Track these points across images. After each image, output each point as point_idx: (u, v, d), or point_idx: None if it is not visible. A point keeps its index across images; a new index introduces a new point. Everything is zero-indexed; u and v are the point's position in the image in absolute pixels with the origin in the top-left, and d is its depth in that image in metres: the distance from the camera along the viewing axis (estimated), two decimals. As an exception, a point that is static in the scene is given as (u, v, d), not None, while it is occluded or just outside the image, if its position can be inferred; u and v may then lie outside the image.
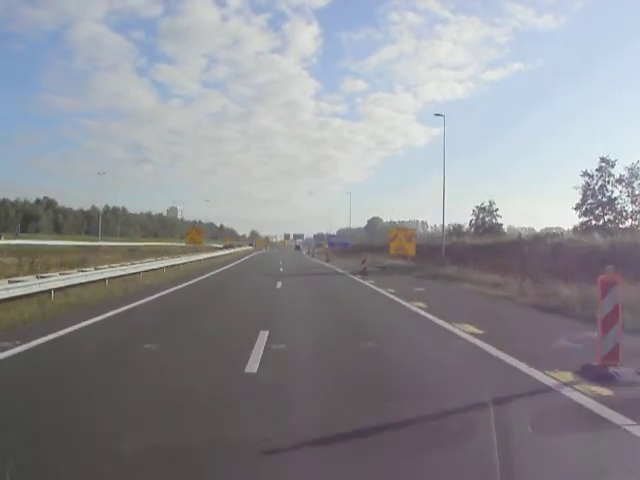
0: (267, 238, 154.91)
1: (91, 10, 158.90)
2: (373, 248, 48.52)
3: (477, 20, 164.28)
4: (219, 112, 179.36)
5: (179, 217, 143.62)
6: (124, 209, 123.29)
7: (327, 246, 57.12)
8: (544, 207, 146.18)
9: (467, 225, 47.22)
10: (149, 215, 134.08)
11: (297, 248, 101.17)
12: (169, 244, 73.85)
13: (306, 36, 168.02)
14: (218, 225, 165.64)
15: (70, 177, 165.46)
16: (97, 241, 67.75)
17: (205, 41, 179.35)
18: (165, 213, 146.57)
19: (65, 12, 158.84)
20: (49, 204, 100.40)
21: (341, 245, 56.25)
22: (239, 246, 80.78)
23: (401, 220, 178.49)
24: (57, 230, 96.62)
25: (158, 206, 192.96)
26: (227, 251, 55.90)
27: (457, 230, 44.14)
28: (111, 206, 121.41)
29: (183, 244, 67.27)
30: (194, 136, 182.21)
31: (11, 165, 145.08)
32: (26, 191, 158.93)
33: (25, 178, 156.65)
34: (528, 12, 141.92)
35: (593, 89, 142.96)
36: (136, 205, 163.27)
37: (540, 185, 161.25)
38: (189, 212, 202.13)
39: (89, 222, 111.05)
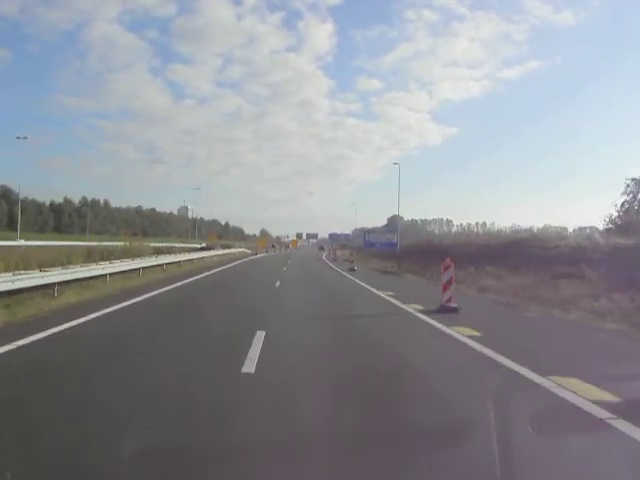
0: (279, 238, 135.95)
1: (105, 10, 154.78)
2: (434, 251, 27.06)
3: (494, 16, 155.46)
4: (233, 112, 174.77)
5: (190, 216, 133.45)
6: (107, 202, 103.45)
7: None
8: (568, 207, 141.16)
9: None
10: (138, 210, 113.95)
11: (321, 249, 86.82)
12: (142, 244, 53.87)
13: (321, 34, 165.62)
14: (223, 223, 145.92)
15: (83, 178, 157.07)
16: (40, 239, 47.77)
17: (220, 40, 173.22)
18: (176, 213, 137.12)
19: (79, 12, 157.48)
20: (4, 194, 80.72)
21: (384, 246, 35.58)
22: (227, 247, 59.06)
23: (423, 218, 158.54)
24: (13, 226, 76.82)
25: (170, 207, 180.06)
26: (199, 255, 34.89)
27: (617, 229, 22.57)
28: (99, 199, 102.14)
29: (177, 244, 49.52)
30: (208, 136, 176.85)
31: (25, 167, 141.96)
32: (38, 192, 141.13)
33: (39, 180, 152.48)
34: (546, 8, 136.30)
35: (613, 87, 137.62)
36: (148, 205, 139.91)
37: (560, 185, 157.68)
38: (202, 212, 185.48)
39: (59, 217, 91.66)
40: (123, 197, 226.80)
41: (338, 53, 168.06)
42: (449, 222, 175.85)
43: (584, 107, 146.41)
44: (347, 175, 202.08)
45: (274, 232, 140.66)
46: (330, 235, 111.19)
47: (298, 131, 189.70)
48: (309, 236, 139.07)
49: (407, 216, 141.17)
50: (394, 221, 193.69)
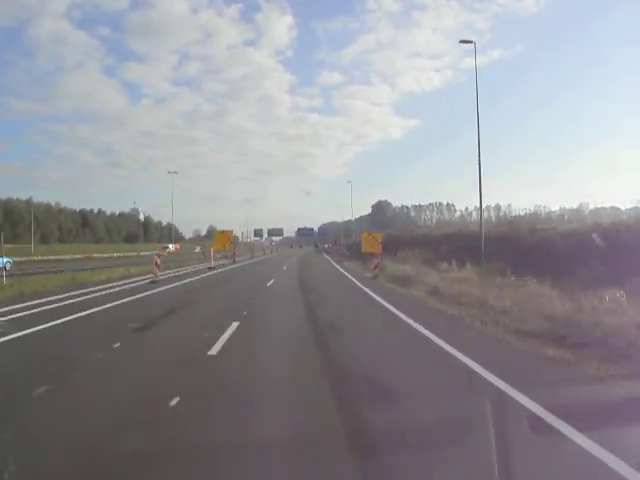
0: (236, 238, 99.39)
1: (51, 5, 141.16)
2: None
3: (457, 5, 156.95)
4: (192, 111, 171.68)
5: (141, 219, 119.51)
6: None
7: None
8: (523, 191, 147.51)
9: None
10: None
11: (316, 247, 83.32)
12: None
13: (280, 27, 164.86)
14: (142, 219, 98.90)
15: (40, 184, 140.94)
16: None
17: (175, 36, 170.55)
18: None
19: (22, 7, 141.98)
20: None
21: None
22: None
23: (417, 204, 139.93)
24: None
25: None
26: None
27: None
28: None
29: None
30: (167, 137, 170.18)
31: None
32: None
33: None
34: None
35: (572, 71, 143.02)
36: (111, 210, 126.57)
37: (514, 170, 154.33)
38: (163, 215, 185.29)
39: None
40: (83, 203, 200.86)
41: (298, 46, 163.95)
42: (450, 207, 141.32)
43: (544, 91, 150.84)
44: (310, 172, 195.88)
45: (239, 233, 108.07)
46: (299, 230, 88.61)
47: (259, 129, 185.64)
48: (272, 232, 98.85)
49: (395, 202, 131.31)
50: (380, 209, 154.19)
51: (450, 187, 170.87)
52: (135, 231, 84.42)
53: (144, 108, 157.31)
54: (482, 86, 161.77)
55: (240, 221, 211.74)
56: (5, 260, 23.48)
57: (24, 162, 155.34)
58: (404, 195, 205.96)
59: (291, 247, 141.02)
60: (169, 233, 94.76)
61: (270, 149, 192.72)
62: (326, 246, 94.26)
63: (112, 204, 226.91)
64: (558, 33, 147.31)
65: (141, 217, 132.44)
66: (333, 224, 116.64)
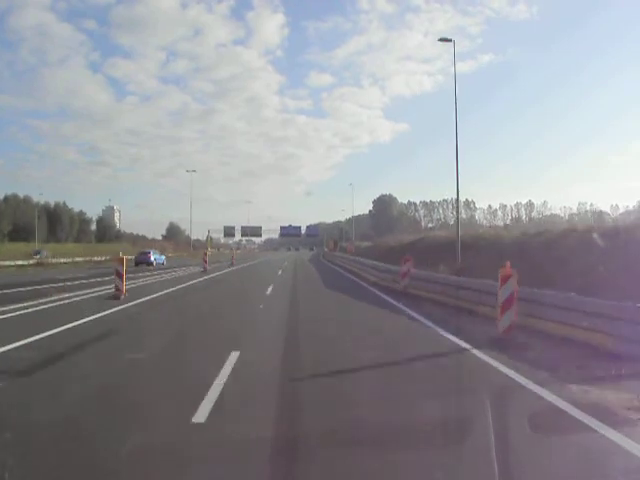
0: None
1: None
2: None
3: (450, 9, 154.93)
4: (179, 110, 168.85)
5: (116, 219, 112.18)
6: None
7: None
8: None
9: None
10: None
11: (311, 250, 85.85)
12: None
13: (271, 26, 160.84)
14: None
15: (20, 182, 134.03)
16: None
17: (163, 32, 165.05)
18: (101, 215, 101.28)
19: None
20: None
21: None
22: None
23: (426, 200, 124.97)
24: None
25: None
26: None
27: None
28: None
29: None
30: (153, 136, 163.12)
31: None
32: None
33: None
34: (501, 0, 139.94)
35: (560, 76, 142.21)
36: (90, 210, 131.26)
37: (498, 173, 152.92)
38: (141, 215, 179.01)
39: None
40: (68, 202, 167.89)
41: (289, 46, 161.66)
42: (470, 204, 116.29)
43: (530, 96, 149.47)
44: (297, 174, 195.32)
45: (205, 233, 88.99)
46: (282, 230, 74.66)
47: (247, 130, 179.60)
48: (247, 232, 72.53)
49: (401, 198, 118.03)
50: (383, 204, 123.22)
51: (450, 185, 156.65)
52: (30, 225, 57.49)
53: (130, 106, 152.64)
54: (474, 89, 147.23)
55: (227, 223, 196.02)
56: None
57: (4, 158, 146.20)
58: (400, 195, 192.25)
59: (288, 250, 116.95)
60: (105, 230, 67.92)
61: (257, 150, 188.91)
62: (325, 250, 69.75)
63: (95, 203, 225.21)
64: (550, 39, 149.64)
65: (116, 217, 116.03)
66: (321, 224, 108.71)
